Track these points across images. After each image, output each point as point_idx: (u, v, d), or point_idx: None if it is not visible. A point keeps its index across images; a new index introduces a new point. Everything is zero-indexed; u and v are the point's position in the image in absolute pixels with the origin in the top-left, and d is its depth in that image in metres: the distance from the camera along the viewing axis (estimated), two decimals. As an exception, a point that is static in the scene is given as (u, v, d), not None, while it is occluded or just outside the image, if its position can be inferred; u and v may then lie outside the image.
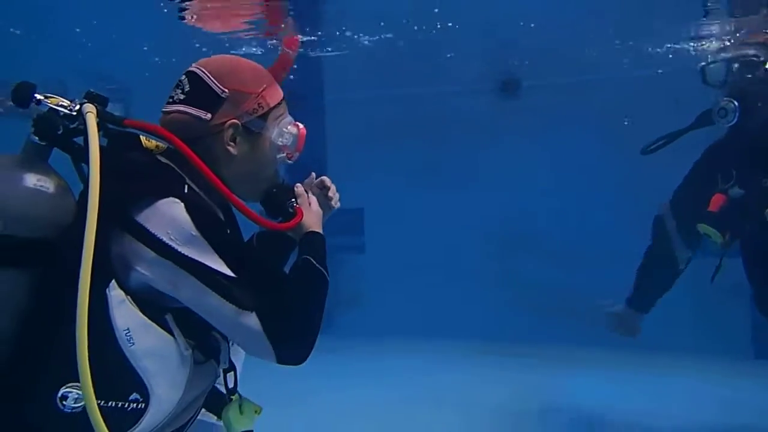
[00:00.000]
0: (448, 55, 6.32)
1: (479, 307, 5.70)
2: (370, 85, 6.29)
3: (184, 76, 1.50)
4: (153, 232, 1.31)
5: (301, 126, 1.58)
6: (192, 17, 5.32)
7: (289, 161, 1.59)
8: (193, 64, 1.52)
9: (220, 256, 1.31)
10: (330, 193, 1.77)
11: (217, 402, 1.55)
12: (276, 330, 1.31)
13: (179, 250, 1.30)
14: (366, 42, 5.95)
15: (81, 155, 1.37)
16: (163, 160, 1.46)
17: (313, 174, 1.78)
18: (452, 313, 5.61)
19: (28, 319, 1.30)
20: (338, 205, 1.79)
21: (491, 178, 6.15)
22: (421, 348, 5.31)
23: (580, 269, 5.55)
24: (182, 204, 1.33)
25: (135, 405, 1.30)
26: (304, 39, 5.80)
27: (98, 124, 1.35)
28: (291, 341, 1.35)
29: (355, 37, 5.92)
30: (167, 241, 1.30)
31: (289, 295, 1.38)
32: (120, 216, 1.32)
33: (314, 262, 1.47)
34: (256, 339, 1.31)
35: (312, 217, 1.62)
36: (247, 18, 5.47)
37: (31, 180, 1.32)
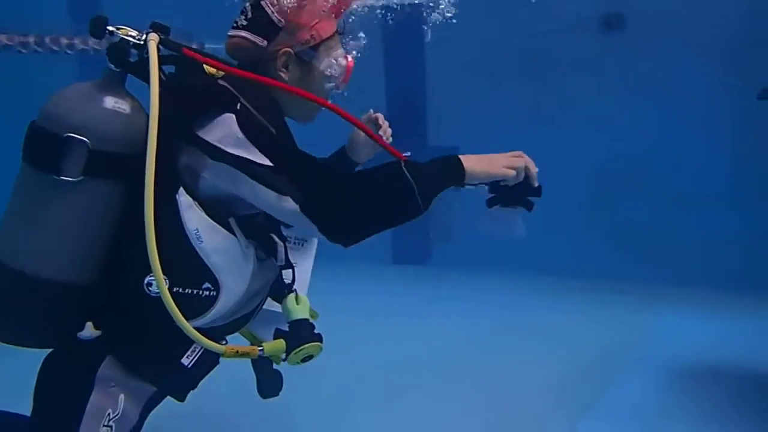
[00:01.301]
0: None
1: (577, 245, 5.84)
2: (469, 24, 5.85)
3: (248, 4, 1.67)
4: (209, 141, 1.50)
5: (349, 58, 1.75)
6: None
7: (338, 91, 1.79)
8: None
9: (262, 152, 1.49)
10: (381, 131, 1.95)
11: (282, 293, 1.77)
12: (313, 206, 1.48)
13: (229, 151, 1.48)
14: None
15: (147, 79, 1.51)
16: (222, 83, 1.60)
17: (371, 110, 1.98)
18: (549, 250, 5.57)
19: (119, 222, 1.53)
20: (390, 140, 1.95)
21: (590, 116, 6.01)
22: (516, 284, 5.55)
23: (685, 212, 5.66)
24: (234, 116, 1.51)
25: (208, 292, 1.54)
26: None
27: (161, 51, 1.53)
28: (332, 217, 1.51)
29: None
30: (221, 147, 1.49)
31: (335, 179, 1.57)
32: (183, 130, 1.52)
33: (404, 169, 1.51)
34: (296, 217, 1.50)
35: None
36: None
37: (110, 102, 1.50)
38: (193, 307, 1.53)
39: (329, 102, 1.73)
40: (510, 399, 3.45)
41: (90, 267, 1.54)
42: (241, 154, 1.50)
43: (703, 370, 3.77)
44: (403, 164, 1.54)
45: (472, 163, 1.60)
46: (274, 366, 1.88)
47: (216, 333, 1.62)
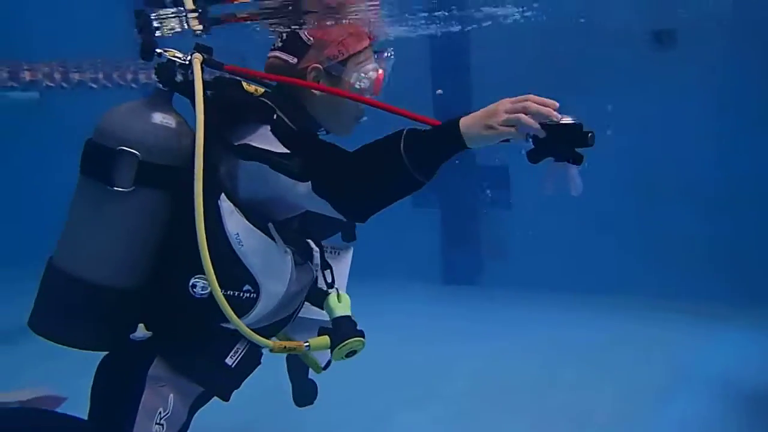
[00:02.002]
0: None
1: (627, 261, 5.74)
2: (514, 42, 5.87)
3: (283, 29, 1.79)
4: (242, 144, 1.61)
5: (379, 71, 1.80)
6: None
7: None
8: None
9: (281, 142, 1.59)
10: None
11: (320, 297, 1.85)
12: (323, 187, 1.53)
13: (253, 144, 1.60)
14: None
15: (194, 98, 1.61)
16: (261, 98, 1.73)
17: None
18: (601, 266, 5.69)
19: (167, 228, 1.64)
20: None
21: (638, 129, 5.93)
22: (567, 302, 5.40)
23: (730, 222, 5.49)
24: (268, 126, 1.63)
25: (248, 294, 1.61)
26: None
27: (203, 70, 1.64)
28: (341, 196, 1.54)
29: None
30: (249, 143, 1.60)
31: (345, 159, 1.55)
32: (223, 141, 1.62)
33: (401, 138, 1.48)
34: (312, 199, 1.55)
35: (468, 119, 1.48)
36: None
37: (158, 117, 1.62)
38: (235, 308, 1.58)
39: (370, 98, 1.76)
40: (562, 422, 3.37)
41: (140, 271, 1.64)
42: (263, 146, 1.59)
43: (763, 394, 3.59)
44: (403, 136, 1.50)
45: (468, 124, 1.47)
46: (310, 376, 1.96)
47: (259, 334, 1.67)
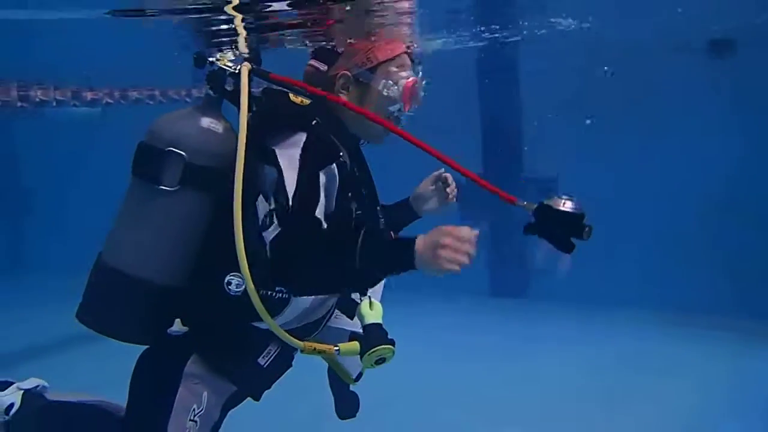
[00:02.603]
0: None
1: (677, 275, 5.63)
2: (565, 54, 5.78)
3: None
4: (277, 153, 1.64)
5: (410, 80, 1.78)
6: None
7: (403, 113, 1.82)
8: None
9: (297, 179, 1.61)
10: (448, 189, 2.05)
11: (351, 307, 1.85)
12: (276, 263, 1.57)
13: (279, 160, 1.63)
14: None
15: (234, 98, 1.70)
16: (302, 106, 1.76)
17: (443, 170, 2.05)
18: (653, 281, 5.57)
19: (207, 227, 1.69)
20: (454, 200, 2.05)
21: (695, 142, 5.79)
22: (616, 318, 5.33)
23: None
24: (305, 134, 1.66)
25: (281, 294, 1.65)
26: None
27: (251, 80, 1.71)
28: (284, 277, 1.59)
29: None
30: (278, 153, 1.64)
31: (312, 239, 1.59)
32: (264, 147, 1.66)
33: (359, 251, 1.51)
34: (269, 244, 1.59)
35: (425, 240, 1.52)
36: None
37: (206, 122, 1.70)
38: (267, 308, 1.61)
39: (393, 125, 1.78)
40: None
41: (181, 268, 1.69)
42: (283, 167, 1.62)
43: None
44: (360, 243, 1.52)
45: (420, 252, 1.52)
46: (351, 388, 1.96)
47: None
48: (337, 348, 1.67)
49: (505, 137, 6.64)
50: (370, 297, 1.74)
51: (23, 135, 8.91)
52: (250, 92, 1.70)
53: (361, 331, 1.71)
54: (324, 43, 1.89)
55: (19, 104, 5.60)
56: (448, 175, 2.05)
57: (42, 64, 6.43)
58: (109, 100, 5.96)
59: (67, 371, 2.18)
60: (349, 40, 1.88)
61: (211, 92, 1.75)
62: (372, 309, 1.72)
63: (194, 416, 1.71)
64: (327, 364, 2.01)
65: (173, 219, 1.67)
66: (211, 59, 1.75)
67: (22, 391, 2.17)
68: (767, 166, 5.60)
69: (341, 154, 1.70)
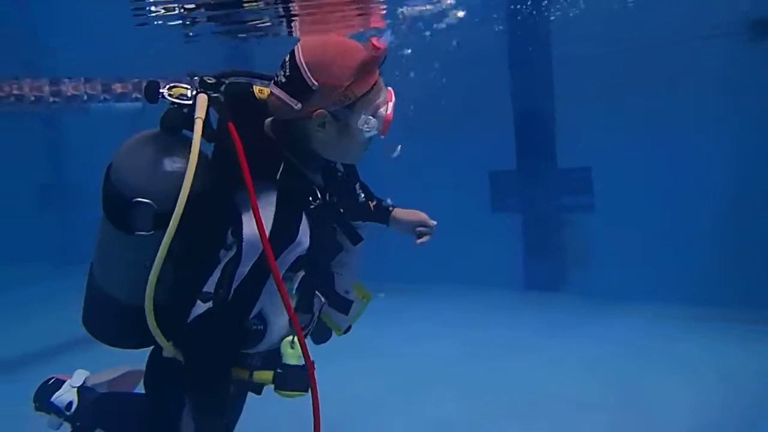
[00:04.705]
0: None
1: (717, 271, 5.51)
2: (600, 37, 5.69)
3: (288, 57, 1.67)
4: (243, 220, 1.62)
5: (389, 113, 1.72)
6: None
7: (381, 137, 1.77)
8: (297, 45, 1.67)
9: (248, 275, 1.61)
10: (423, 239, 2.08)
11: (344, 304, 2.02)
12: (188, 338, 1.65)
13: (244, 234, 1.61)
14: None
15: (209, 135, 1.66)
16: (268, 132, 1.72)
17: (434, 224, 2.08)
18: (684, 276, 5.44)
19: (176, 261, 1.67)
20: (417, 244, 2.07)
21: (729, 133, 5.60)
22: (653, 313, 5.19)
23: None
24: (275, 194, 1.64)
25: (257, 327, 1.71)
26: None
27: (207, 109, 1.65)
28: (184, 352, 1.68)
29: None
30: (244, 228, 1.61)
31: (212, 354, 1.65)
32: (228, 200, 1.65)
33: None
34: (189, 323, 1.63)
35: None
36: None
37: (168, 165, 1.66)
38: (247, 340, 1.70)
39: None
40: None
41: (158, 292, 1.68)
42: (245, 242, 1.61)
43: None
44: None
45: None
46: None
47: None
48: (251, 378, 1.75)
49: (538, 126, 6.52)
50: (293, 337, 1.73)
51: (69, 130, 9.26)
52: (207, 122, 1.66)
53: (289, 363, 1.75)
54: (290, 72, 1.69)
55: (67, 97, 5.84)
56: (434, 223, 2.08)
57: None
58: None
59: (122, 358, 2.34)
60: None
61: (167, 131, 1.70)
62: (293, 349, 1.73)
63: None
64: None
65: (148, 256, 1.66)
66: (162, 91, 1.68)
67: (75, 389, 2.42)
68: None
69: (311, 198, 1.71)
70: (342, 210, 1.89)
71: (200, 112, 1.66)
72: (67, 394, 2.40)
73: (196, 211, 1.62)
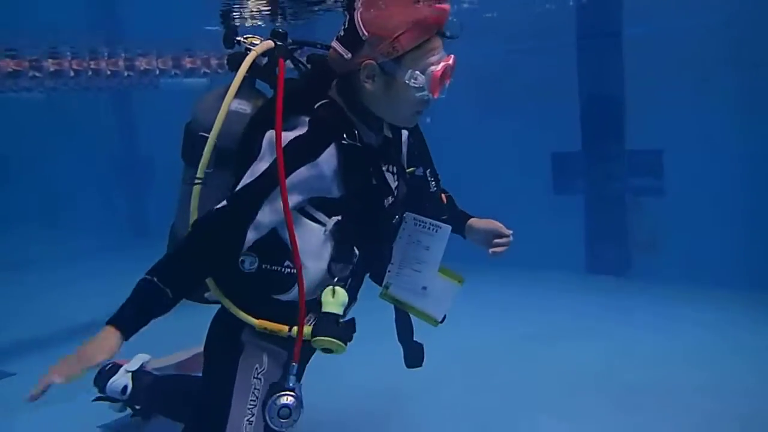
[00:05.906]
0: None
1: None
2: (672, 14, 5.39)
3: (347, 12, 1.74)
4: (266, 134, 1.72)
5: (438, 69, 1.68)
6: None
7: (431, 99, 1.74)
8: None
9: (257, 178, 1.67)
10: (498, 249, 2.06)
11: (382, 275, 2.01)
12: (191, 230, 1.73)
13: (263, 146, 1.70)
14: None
15: (273, 83, 1.77)
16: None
17: (511, 233, 2.05)
18: (756, 263, 5.25)
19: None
20: (493, 255, 2.05)
21: None
22: (718, 299, 5.01)
23: None
24: (307, 121, 1.69)
25: (288, 270, 1.73)
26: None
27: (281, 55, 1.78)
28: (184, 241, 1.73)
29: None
30: (264, 141, 1.72)
31: (197, 250, 1.68)
32: (265, 126, 1.71)
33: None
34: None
35: None
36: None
37: (234, 105, 1.76)
38: (279, 282, 1.75)
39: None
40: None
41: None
42: (262, 151, 1.70)
43: None
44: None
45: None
46: (415, 339, 2.07)
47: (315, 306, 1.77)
48: (289, 333, 1.77)
49: (606, 107, 6.27)
50: (334, 285, 1.74)
51: (140, 105, 9.57)
52: (282, 70, 1.75)
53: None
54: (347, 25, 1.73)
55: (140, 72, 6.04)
56: (508, 241, 2.05)
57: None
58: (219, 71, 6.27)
59: (188, 333, 2.40)
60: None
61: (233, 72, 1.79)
62: (334, 297, 1.72)
63: (257, 374, 1.85)
64: (393, 319, 2.12)
65: (210, 199, 1.76)
66: (238, 38, 1.82)
67: (130, 373, 2.53)
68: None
69: (344, 135, 1.70)
70: (413, 197, 1.95)
71: (257, 49, 1.78)
72: (122, 379, 2.52)
73: (247, 149, 1.73)
